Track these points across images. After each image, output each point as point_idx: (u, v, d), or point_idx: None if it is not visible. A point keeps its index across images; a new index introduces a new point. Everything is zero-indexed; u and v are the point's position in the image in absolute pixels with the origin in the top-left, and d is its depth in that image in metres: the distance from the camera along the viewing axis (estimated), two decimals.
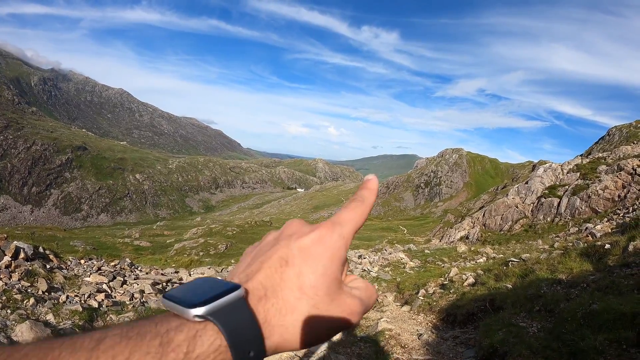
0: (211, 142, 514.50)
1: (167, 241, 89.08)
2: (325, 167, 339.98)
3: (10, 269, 10.14)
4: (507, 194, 43.32)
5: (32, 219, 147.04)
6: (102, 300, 10.23)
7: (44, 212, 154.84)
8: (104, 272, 13.49)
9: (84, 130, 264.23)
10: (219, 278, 0.81)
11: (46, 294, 9.75)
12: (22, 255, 11.11)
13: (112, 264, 16.18)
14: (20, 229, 64.34)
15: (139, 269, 16.49)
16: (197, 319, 0.70)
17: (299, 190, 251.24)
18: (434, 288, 13.19)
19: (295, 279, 0.79)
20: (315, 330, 0.79)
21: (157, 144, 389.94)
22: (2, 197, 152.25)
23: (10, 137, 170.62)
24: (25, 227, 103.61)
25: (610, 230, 15.88)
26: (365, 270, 19.77)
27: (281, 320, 0.76)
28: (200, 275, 14.35)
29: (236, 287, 0.75)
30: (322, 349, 9.47)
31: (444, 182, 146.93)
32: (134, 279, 13.90)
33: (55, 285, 10.54)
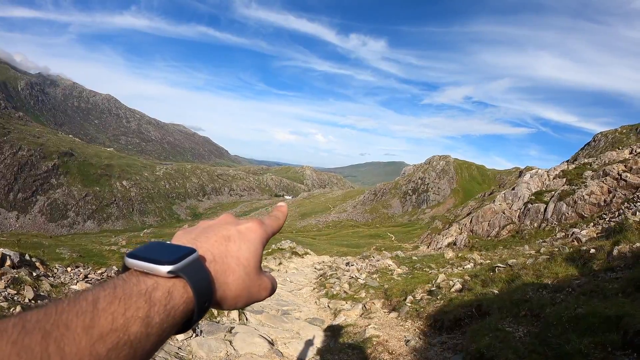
0: (199, 149, 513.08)
1: None
2: (312, 175, 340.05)
3: None
4: (494, 200, 43.52)
5: (17, 225, 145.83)
6: None
7: (29, 219, 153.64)
8: (90, 280, 13.29)
9: (70, 136, 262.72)
10: (170, 242, 1.00)
11: (33, 302, 9.61)
12: (8, 262, 10.97)
13: (99, 271, 15.95)
14: (6, 236, 63.73)
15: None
16: (169, 275, 0.86)
17: (286, 197, 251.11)
18: (421, 294, 13.20)
19: (235, 251, 1.01)
20: (245, 292, 1.01)
21: (145, 150, 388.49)
22: None
23: None
24: (11, 233, 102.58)
25: (595, 235, 16.00)
26: (353, 277, 19.76)
27: (225, 279, 0.97)
28: None
29: (193, 250, 0.94)
30: (310, 355, 9.47)
31: (432, 188, 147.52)
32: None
33: (42, 294, 10.40)
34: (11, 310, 8.57)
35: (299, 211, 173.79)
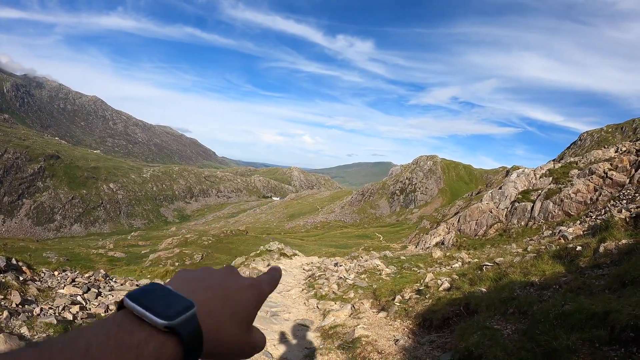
0: (186, 151, 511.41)
1: (142, 252, 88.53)
2: (300, 176, 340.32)
3: None
4: (481, 200, 43.71)
5: (3, 229, 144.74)
6: (77, 312, 10.12)
7: (16, 223, 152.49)
8: (78, 284, 13.23)
9: (56, 138, 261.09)
10: (170, 288, 0.99)
11: (20, 306, 9.59)
12: None
13: (86, 275, 15.89)
14: None
15: (114, 280, 16.27)
16: (165, 329, 0.86)
17: (274, 199, 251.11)
18: (410, 294, 13.23)
19: (232, 309, 1.03)
20: (235, 349, 1.03)
21: (131, 152, 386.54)
22: None
23: None
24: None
25: (582, 232, 16.10)
26: (341, 277, 19.76)
27: (217, 336, 0.98)
28: None
29: (192, 304, 0.94)
30: (299, 356, 9.46)
31: (419, 188, 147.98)
32: (109, 291, 13.75)
33: (29, 298, 10.38)
34: None
35: (287, 212, 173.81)
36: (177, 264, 61.32)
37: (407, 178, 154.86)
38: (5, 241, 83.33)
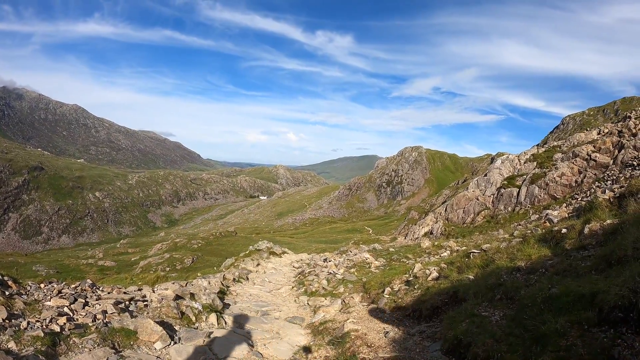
0: (170, 155, 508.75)
1: (132, 259, 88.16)
2: (286, 174, 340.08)
3: None
4: (467, 188, 43.88)
5: None
6: (64, 323, 9.74)
7: (3, 238, 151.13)
8: (64, 295, 12.94)
9: (39, 149, 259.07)
10: None
11: (6, 321, 9.39)
12: None
13: (73, 286, 15.59)
14: None
15: (101, 289, 16.07)
16: None
17: (261, 198, 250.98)
18: (399, 285, 13.20)
19: None
20: None
21: (115, 159, 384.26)
22: None
23: None
24: None
25: (567, 215, 16.14)
26: (331, 273, 19.75)
27: None
28: (164, 292, 14.14)
29: None
30: (290, 354, 9.39)
31: (405, 180, 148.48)
32: (96, 300, 13.43)
33: (16, 312, 10.16)
34: None
35: (275, 211, 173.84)
36: (167, 269, 61.16)
37: (393, 170, 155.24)
38: None
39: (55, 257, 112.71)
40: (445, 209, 42.01)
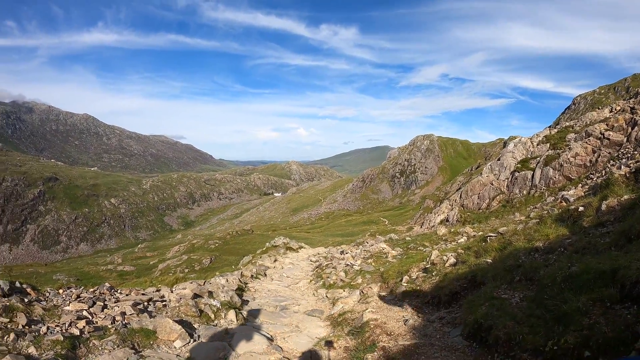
0: (183, 158, 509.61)
1: (151, 262, 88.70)
2: (299, 169, 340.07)
3: None
4: (481, 173, 43.58)
5: (11, 257, 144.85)
6: (84, 327, 9.89)
7: (22, 249, 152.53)
8: (83, 299, 12.96)
9: (52, 160, 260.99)
10: None
11: (26, 327, 9.51)
12: None
13: (91, 290, 15.78)
14: (1, 271, 63.34)
15: (119, 291, 16.21)
16: None
17: (275, 194, 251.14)
18: (416, 273, 13.11)
19: None
20: None
21: (129, 165, 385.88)
22: None
23: None
24: (4, 266, 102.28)
25: (583, 193, 15.99)
26: (348, 264, 19.68)
27: None
28: (182, 291, 14.17)
29: None
30: (309, 347, 9.34)
31: (419, 169, 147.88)
32: (115, 302, 13.51)
33: (35, 318, 10.28)
34: (5, 338, 8.48)
35: (290, 207, 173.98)
36: (186, 270, 61.44)
37: (405, 160, 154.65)
38: (10, 267, 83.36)
39: (75, 265, 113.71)
40: (460, 196, 41.79)
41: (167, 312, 11.72)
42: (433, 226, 39.62)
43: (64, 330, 9.35)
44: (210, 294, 13.47)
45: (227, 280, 17.78)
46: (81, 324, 10.05)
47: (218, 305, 12.15)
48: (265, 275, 21.23)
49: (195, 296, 13.06)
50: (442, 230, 23.59)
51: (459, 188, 56.90)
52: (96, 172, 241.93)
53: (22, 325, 9.44)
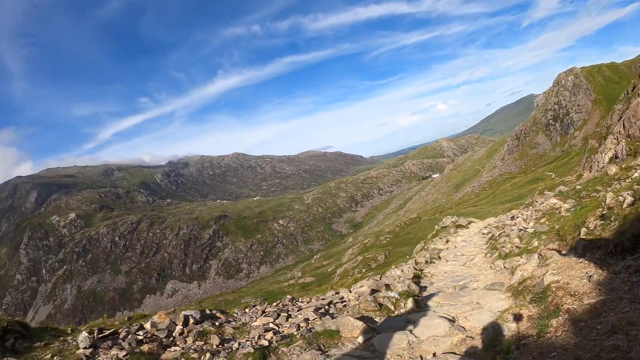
0: (335, 165, 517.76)
1: (329, 270, 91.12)
2: (450, 145, 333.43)
3: (184, 335, 11.40)
4: (639, 93, 40.37)
5: (201, 292, 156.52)
6: (271, 337, 10.98)
7: (210, 283, 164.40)
8: (268, 313, 14.40)
9: (218, 201, 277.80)
10: None
11: (220, 346, 10.70)
12: (191, 321, 12.43)
13: (274, 304, 17.18)
14: (194, 304, 68.30)
15: (300, 300, 17.36)
16: None
17: (433, 176, 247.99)
18: (594, 222, 12.42)
19: None
20: None
21: (287, 187, 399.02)
22: (170, 282, 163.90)
23: (158, 231, 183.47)
24: (196, 301, 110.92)
25: None
26: (521, 229, 19.07)
27: None
28: (360, 289, 14.56)
29: None
30: (491, 320, 9.17)
31: (571, 109, 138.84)
32: (297, 311, 14.63)
33: (227, 337, 11.52)
34: (201, 358, 9.73)
35: (451, 184, 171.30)
36: (363, 270, 62.38)
37: (554, 103, 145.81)
38: (200, 300, 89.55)
39: (260, 286, 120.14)
40: (623, 126, 38.88)
41: (347, 311, 12.22)
42: (602, 167, 37.22)
43: (253, 344, 10.42)
44: (387, 286, 13.78)
45: (402, 271, 18.01)
46: (269, 335, 11.19)
47: (396, 296, 12.40)
48: (439, 257, 21.20)
49: (373, 291, 13.45)
50: (613, 169, 22.15)
51: (620, 117, 53.10)
52: (259, 200, 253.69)
53: (216, 345, 10.76)
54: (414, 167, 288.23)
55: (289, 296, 19.02)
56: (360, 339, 9.70)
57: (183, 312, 12.78)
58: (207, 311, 14.01)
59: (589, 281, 8.53)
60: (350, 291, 16.19)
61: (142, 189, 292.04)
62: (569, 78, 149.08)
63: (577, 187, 25.56)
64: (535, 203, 27.39)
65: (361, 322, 10.17)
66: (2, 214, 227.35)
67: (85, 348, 9.91)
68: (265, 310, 15.22)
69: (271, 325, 12.44)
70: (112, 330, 11.32)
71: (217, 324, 12.73)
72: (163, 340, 10.97)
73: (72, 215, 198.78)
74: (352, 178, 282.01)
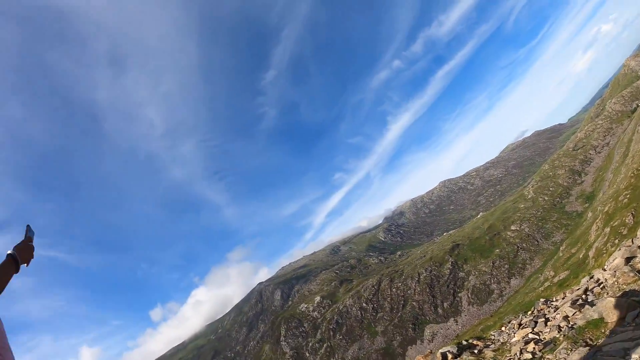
0: (538, 146, 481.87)
1: (580, 256, 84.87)
2: (638, 60, 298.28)
3: None
4: None
5: (460, 327, 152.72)
6: (533, 348, 10.64)
7: (465, 315, 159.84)
8: (525, 324, 14.06)
9: (444, 234, 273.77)
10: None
11: None
12: (449, 356, 13.35)
13: (529, 312, 16.80)
14: (455, 341, 64.68)
15: (554, 299, 16.40)
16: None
17: None
18: None
19: None
20: None
21: (503, 191, 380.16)
22: (426, 328, 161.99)
23: (400, 284, 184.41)
24: (456, 338, 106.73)
25: None
26: None
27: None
28: (613, 263, 12.09)
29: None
30: None
31: None
32: (554, 311, 13.77)
33: None
34: None
35: None
36: (616, 241, 55.46)
37: None
38: (458, 335, 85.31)
39: (516, 301, 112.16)
40: None
41: (606, 293, 10.89)
42: None
43: None
44: None
45: None
46: (530, 346, 10.83)
47: None
48: None
49: (628, 260, 11.78)
50: None
51: None
52: (483, 216, 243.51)
53: None
54: (616, 106, 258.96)
55: (541, 300, 17.84)
56: (628, 318, 8.04)
57: (440, 350, 13.42)
58: (464, 342, 14.46)
59: None
60: (604, 269, 14.00)
61: (371, 252, 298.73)
62: None
63: None
64: None
65: (624, 299, 8.46)
66: (256, 318, 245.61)
67: None
68: (522, 322, 14.60)
69: (530, 335, 12.04)
70: None
71: (475, 351, 13.04)
72: None
73: (318, 298, 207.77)
74: (562, 151, 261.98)
